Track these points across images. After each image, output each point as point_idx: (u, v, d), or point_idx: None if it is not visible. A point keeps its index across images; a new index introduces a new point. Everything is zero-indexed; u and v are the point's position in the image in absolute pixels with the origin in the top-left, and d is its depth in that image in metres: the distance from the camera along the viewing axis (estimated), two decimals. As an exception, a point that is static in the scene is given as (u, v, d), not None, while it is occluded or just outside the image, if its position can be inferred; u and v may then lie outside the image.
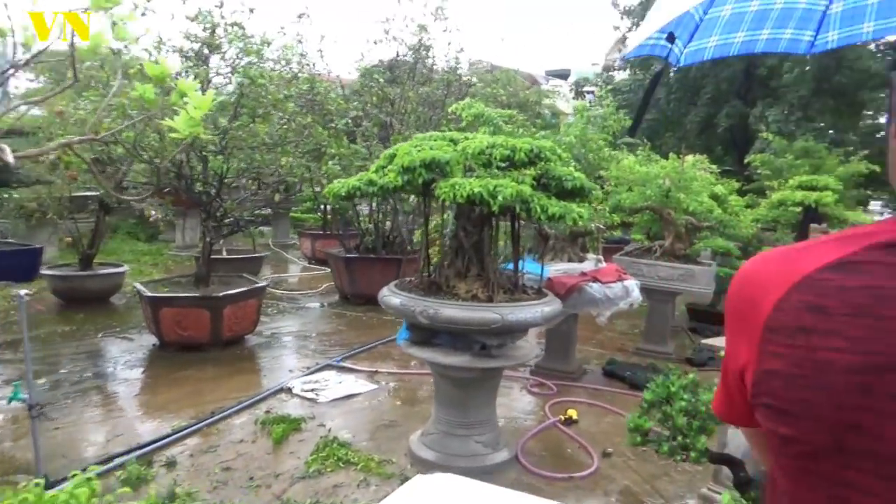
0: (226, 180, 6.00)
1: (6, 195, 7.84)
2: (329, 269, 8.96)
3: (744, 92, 15.45)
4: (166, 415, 4.34)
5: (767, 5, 2.34)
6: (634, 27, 17.26)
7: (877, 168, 9.14)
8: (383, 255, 8.25)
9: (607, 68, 20.98)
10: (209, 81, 5.64)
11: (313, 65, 7.51)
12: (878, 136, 14.54)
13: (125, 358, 5.59)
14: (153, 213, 11.99)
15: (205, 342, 5.68)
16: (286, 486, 3.41)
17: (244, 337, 6.14)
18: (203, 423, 4.13)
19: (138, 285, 5.92)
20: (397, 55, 8.62)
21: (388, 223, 8.45)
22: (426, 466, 3.62)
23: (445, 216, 4.28)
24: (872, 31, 2.27)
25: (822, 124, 14.10)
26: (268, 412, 4.37)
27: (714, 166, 8.01)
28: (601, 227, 5.66)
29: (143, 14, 5.21)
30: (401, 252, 8.11)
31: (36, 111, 6.90)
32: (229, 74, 5.65)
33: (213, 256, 6.42)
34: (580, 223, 3.29)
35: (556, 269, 5.08)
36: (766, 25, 2.37)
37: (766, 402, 0.70)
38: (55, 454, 3.65)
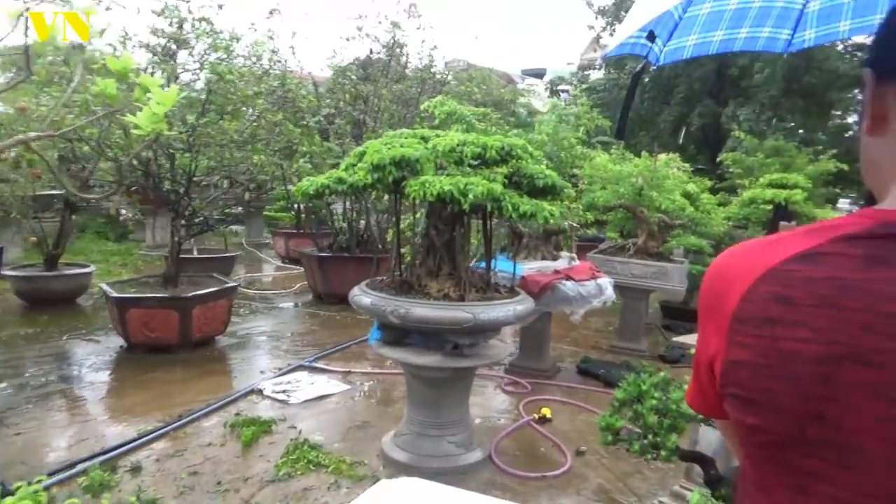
0: (195, 178, 5.88)
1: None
2: (303, 269, 8.87)
3: (716, 91, 15.64)
4: (132, 418, 4.23)
5: (746, 4, 2.33)
6: (609, 27, 17.39)
7: (845, 167, 9.31)
8: (357, 253, 8.18)
9: (582, 67, 21.11)
10: (177, 77, 5.52)
11: (285, 61, 7.42)
12: (846, 135, 14.82)
13: (91, 360, 5.46)
14: (123, 211, 11.76)
15: (173, 344, 5.56)
16: (255, 490, 3.34)
17: (214, 338, 6.03)
18: (170, 426, 4.03)
19: (104, 286, 5.78)
20: (371, 52, 8.55)
21: (362, 222, 8.39)
22: (398, 468, 3.57)
23: (418, 215, 4.24)
24: (849, 29, 2.28)
25: (791, 124, 14.35)
26: (237, 414, 4.29)
27: (687, 165, 8.07)
28: (574, 225, 5.66)
29: (107, 9, 5.07)
30: (374, 251, 8.04)
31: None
32: (198, 71, 5.53)
33: (183, 256, 6.30)
34: (552, 221, 3.27)
35: (529, 267, 5.06)
36: (744, 24, 2.37)
37: (733, 392, 0.70)
38: (15, 461, 3.54)
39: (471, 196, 3.01)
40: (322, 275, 8.09)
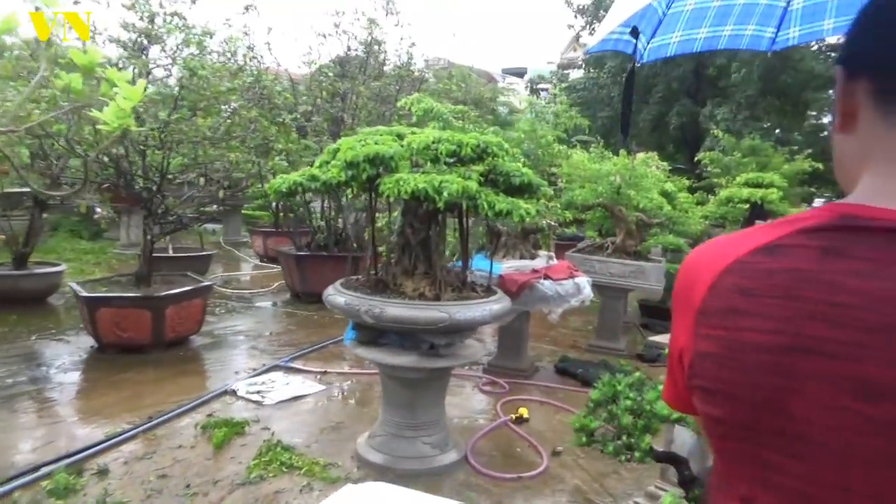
0: (169, 176, 5.77)
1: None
2: (281, 268, 8.78)
3: (694, 91, 15.77)
4: (101, 420, 4.13)
5: (729, 1, 2.32)
6: (588, 26, 17.45)
7: (820, 166, 9.43)
8: (335, 252, 8.11)
9: (562, 66, 21.18)
10: (149, 73, 5.41)
11: (261, 58, 7.31)
12: (821, 135, 15.03)
13: (60, 361, 5.33)
14: (98, 209, 11.54)
15: (146, 344, 5.46)
16: (224, 493, 3.27)
17: (188, 338, 5.93)
18: (139, 428, 3.95)
19: (74, 285, 5.65)
20: (348, 49, 8.47)
21: (340, 220, 8.31)
22: (373, 469, 3.53)
23: (395, 213, 4.20)
24: (833, 28, 2.28)
25: (768, 124, 14.50)
26: (210, 416, 4.21)
27: (665, 163, 8.10)
28: (553, 223, 5.64)
29: (75, 2, 4.94)
30: (350, 250, 7.97)
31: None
32: (170, 66, 5.43)
33: (157, 255, 6.19)
34: (528, 220, 3.24)
35: (507, 266, 5.04)
36: (728, 21, 2.36)
37: (699, 384, 0.71)
38: (-23, 465, 3.44)
39: (445, 194, 2.97)
40: (300, 274, 8.01)
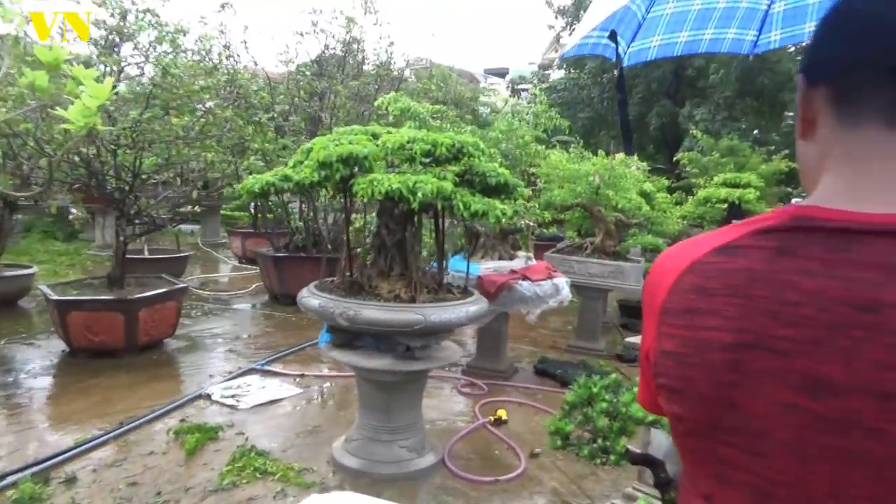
0: (143, 176, 5.67)
1: None
2: (259, 269, 8.67)
3: (673, 92, 15.87)
4: (71, 427, 4.04)
5: (710, 4, 2.29)
6: (568, 27, 17.50)
7: (797, 166, 9.50)
8: (314, 253, 8.02)
9: (543, 67, 21.24)
10: (121, 71, 5.31)
11: (237, 57, 7.21)
12: (798, 136, 15.18)
13: (30, 366, 5.21)
14: (73, 210, 11.32)
15: (118, 348, 5.34)
16: (196, 500, 3.20)
17: (163, 341, 5.82)
18: (110, 434, 3.85)
19: (44, 287, 5.53)
20: (326, 48, 8.38)
21: (320, 221, 8.23)
22: (349, 474, 3.48)
23: (373, 215, 4.15)
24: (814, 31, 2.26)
25: (745, 124, 14.64)
26: (183, 421, 4.13)
27: (644, 164, 8.13)
28: (531, 224, 5.62)
29: (37, -2, 4.82)
30: (324, 251, 7.89)
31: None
32: (142, 64, 5.32)
33: (132, 257, 6.08)
34: (504, 220, 3.21)
35: (486, 267, 5.01)
36: (709, 25, 2.34)
37: (663, 382, 0.72)
38: (-61, 475, 3.33)
39: (420, 194, 2.93)
40: (278, 275, 7.92)
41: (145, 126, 4.86)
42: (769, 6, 2.32)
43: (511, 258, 5.42)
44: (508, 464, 3.77)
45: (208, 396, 4.59)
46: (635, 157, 7.83)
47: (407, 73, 10.18)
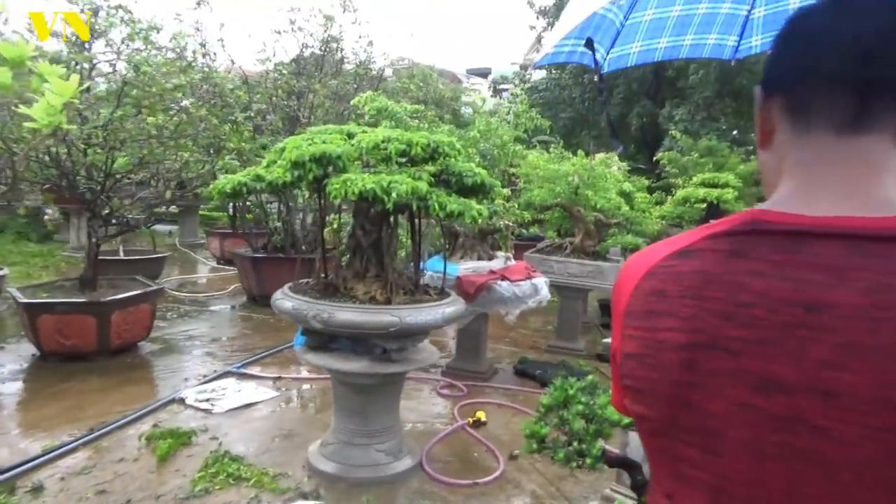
0: (117, 176, 5.55)
1: None
2: (237, 270, 8.56)
3: (653, 92, 15.96)
4: (39, 433, 3.93)
5: (690, 10, 2.27)
6: (549, 27, 17.53)
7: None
8: (292, 254, 7.93)
9: (525, 67, 21.28)
10: (92, 68, 5.19)
11: (214, 55, 7.11)
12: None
13: (-2, 371, 5.09)
14: (47, 211, 11.10)
15: (90, 351, 5.23)
16: (167, 508, 3.13)
17: (136, 344, 5.71)
18: (79, 440, 3.76)
19: (13, 290, 5.40)
20: (304, 46, 8.29)
21: (298, 221, 8.14)
22: (325, 479, 3.43)
23: (350, 215, 4.09)
24: None
25: (725, 125, 14.75)
26: (155, 426, 4.04)
27: (625, 164, 8.15)
28: (510, 224, 5.60)
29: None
30: (298, 251, 7.80)
31: None
32: (115, 62, 5.21)
33: (107, 258, 5.96)
34: (480, 221, 3.17)
35: (464, 267, 4.98)
36: (689, 31, 2.31)
37: (627, 383, 0.74)
38: None
39: (394, 195, 2.88)
40: (256, 276, 7.82)
41: (117, 125, 4.76)
42: (749, 12, 2.31)
43: (490, 258, 5.39)
44: (487, 466, 3.74)
45: (182, 401, 4.50)
46: (615, 157, 7.84)
47: (388, 72, 10.11)
